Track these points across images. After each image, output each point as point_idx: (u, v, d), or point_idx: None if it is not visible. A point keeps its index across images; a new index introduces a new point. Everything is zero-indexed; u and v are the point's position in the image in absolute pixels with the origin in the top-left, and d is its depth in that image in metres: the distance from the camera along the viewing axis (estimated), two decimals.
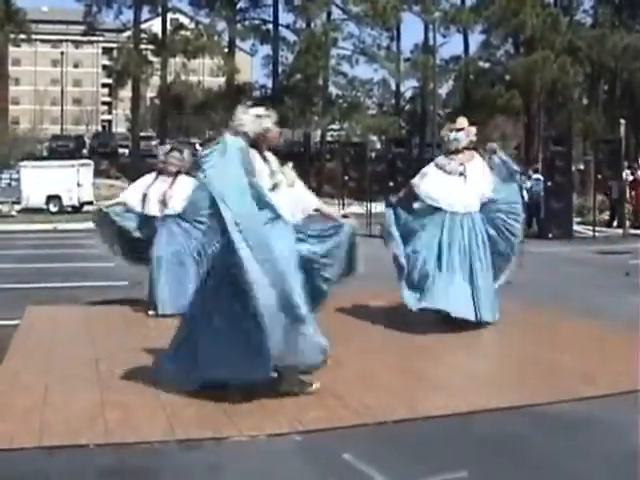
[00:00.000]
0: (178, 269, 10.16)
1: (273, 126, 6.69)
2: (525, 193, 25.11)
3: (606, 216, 29.12)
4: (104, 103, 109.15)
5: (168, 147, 11.27)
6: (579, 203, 30.36)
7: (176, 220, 10.35)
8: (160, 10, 58.61)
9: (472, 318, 8.80)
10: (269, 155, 6.71)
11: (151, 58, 58.12)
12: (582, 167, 42.50)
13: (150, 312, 10.04)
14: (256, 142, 6.57)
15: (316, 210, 7.20)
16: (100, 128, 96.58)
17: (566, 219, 24.68)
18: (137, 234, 10.62)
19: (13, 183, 39.94)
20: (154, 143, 64.55)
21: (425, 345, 8.17)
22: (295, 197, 6.81)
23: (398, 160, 27.19)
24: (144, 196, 10.48)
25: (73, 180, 38.55)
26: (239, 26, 59.20)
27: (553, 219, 24.32)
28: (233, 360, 6.06)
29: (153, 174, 10.75)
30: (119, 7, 57.83)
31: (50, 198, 39.44)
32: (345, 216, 7.32)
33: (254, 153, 6.50)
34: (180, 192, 10.37)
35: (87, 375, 7.04)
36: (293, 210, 6.69)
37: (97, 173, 45.05)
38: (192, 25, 58.76)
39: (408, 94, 67.91)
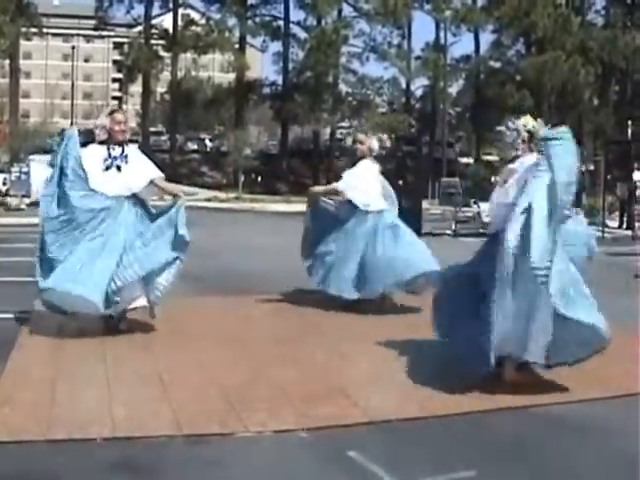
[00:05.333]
0: None
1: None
2: None
3: (616, 217, 29.08)
4: (114, 98, 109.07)
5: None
6: (589, 204, 30.29)
7: None
8: (171, 5, 58.75)
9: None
10: None
11: (162, 53, 58.29)
12: (592, 168, 42.44)
13: None
14: None
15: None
16: None
17: None
18: None
19: (23, 177, 39.92)
20: (164, 138, 64.66)
21: (434, 345, 8.15)
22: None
23: (408, 158, 27.24)
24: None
25: None
26: (250, 22, 59.31)
27: None
28: None
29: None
30: (130, 2, 58.15)
31: None
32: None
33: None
34: None
35: (94, 370, 7.05)
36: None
37: None
38: (203, 21, 58.91)
39: (418, 93, 67.92)
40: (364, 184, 10.20)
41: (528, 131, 7.14)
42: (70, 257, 8.06)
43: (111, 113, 8.68)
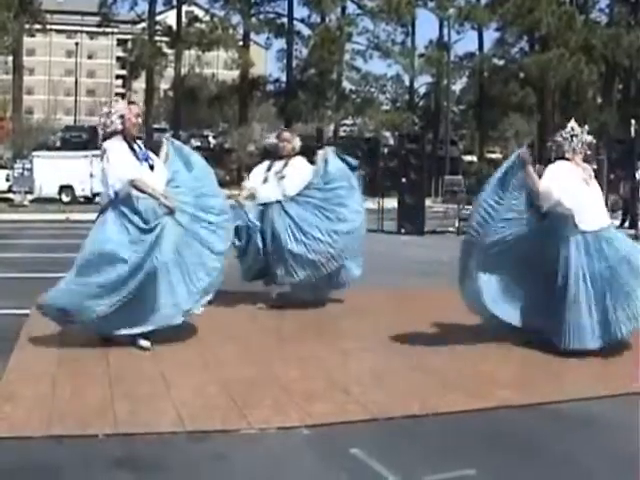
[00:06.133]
0: None
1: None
2: None
3: (619, 216, 29.05)
4: (118, 94, 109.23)
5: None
6: None
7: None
8: (175, 2, 58.69)
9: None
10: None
11: (165, 50, 58.23)
12: (595, 166, 42.46)
13: None
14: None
15: None
16: None
17: None
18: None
19: (26, 173, 39.95)
20: (167, 135, 64.71)
21: (436, 343, 8.17)
22: None
23: (411, 156, 27.10)
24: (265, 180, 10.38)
25: (86, 171, 38.56)
26: (254, 19, 59.24)
27: None
28: None
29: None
30: None
31: (63, 188, 39.58)
32: None
33: None
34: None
35: (97, 366, 7.05)
36: None
37: None
38: (207, 18, 58.84)
39: (422, 90, 67.95)
40: None
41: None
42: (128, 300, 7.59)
43: (129, 103, 8.35)
